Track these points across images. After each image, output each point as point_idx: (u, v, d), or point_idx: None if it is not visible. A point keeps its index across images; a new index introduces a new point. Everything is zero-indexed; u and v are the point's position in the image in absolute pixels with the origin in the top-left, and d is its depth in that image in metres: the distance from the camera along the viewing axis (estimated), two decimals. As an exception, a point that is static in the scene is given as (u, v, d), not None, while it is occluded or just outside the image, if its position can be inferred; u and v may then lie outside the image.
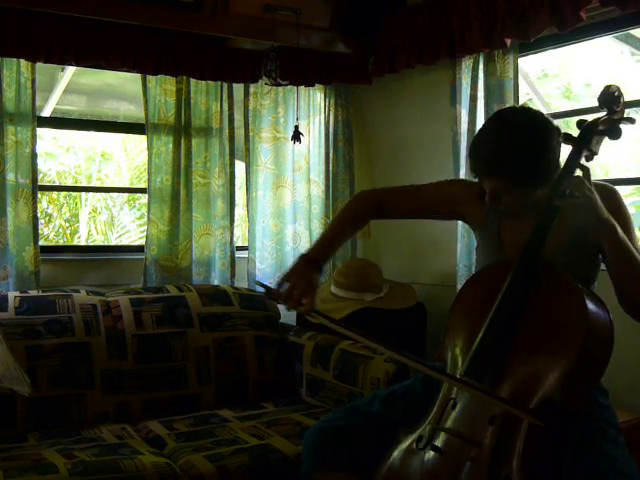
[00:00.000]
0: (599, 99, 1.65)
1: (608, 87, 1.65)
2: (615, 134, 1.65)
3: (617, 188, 1.73)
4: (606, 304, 1.54)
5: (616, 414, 1.64)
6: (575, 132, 1.69)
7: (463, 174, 2.87)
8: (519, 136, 1.58)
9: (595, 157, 1.67)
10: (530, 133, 1.59)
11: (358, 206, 1.97)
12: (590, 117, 1.70)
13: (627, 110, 1.70)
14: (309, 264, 1.77)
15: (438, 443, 1.51)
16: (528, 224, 1.63)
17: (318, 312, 1.70)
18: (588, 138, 1.64)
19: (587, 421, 1.52)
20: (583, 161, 1.63)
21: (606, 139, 1.67)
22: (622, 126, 1.66)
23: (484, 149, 1.63)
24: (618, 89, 1.65)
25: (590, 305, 1.49)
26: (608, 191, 1.66)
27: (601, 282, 1.72)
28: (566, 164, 1.63)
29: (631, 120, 1.66)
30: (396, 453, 1.60)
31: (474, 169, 1.66)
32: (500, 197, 1.64)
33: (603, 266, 1.72)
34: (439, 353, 1.68)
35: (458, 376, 1.55)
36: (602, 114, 1.67)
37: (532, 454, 1.40)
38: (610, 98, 1.64)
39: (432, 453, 1.51)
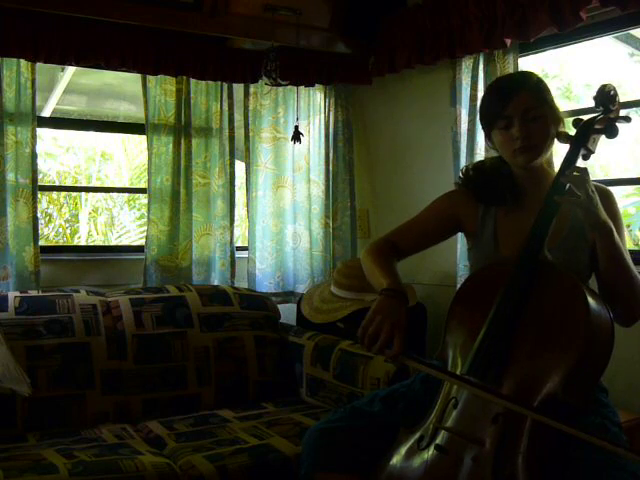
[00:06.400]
0: (595, 98, 1.66)
1: (604, 86, 1.66)
2: (612, 133, 1.65)
3: (616, 189, 1.74)
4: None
5: (617, 412, 1.64)
6: (572, 131, 1.69)
7: (463, 174, 2.86)
8: (525, 72, 1.91)
9: (592, 156, 1.67)
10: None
11: (377, 251, 1.84)
12: (587, 117, 1.71)
13: (627, 110, 1.71)
14: (390, 296, 1.61)
15: (440, 442, 1.51)
16: (525, 225, 1.63)
17: (409, 356, 1.55)
18: (585, 137, 1.65)
19: (589, 418, 1.52)
20: (580, 160, 1.63)
21: (603, 138, 1.68)
22: (619, 125, 1.66)
23: (500, 87, 1.78)
24: (614, 88, 1.66)
25: (591, 303, 1.49)
26: (604, 193, 1.68)
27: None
28: (563, 163, 1.64)
29: (627, 119, 1.66)
30: (397, 453, 1.59)
31: (495, 107, 1.71)
32: (531, 129, 1.65)
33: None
34: (439, 352, 1.69)
35: (459, 374, 1.55)
36: (598, 113, 1.68)
37: (536, 452, 1.40)
38: (606, 97, 1.65)
39: (434, 453, 1.50)
